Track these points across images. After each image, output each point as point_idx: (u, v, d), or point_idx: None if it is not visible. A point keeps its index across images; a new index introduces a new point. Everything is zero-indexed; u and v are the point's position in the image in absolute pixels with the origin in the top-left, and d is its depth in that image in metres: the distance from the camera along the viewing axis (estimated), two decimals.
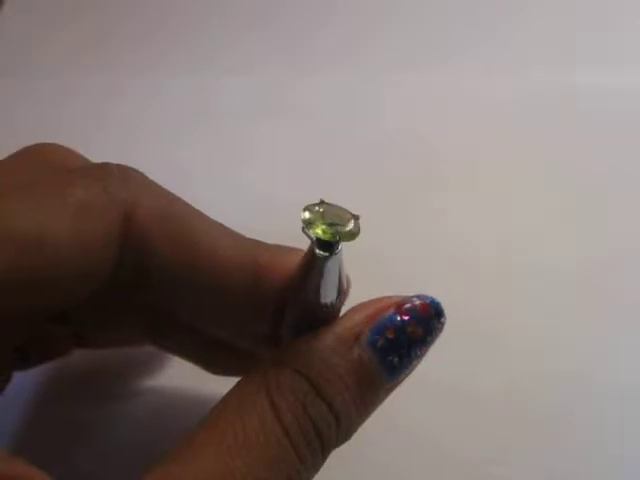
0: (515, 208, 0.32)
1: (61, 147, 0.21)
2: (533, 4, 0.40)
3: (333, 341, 0.18)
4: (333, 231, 0.17)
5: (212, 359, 0.25)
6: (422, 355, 0.19)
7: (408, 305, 0.19)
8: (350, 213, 0.17)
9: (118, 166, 0.20)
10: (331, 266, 0.17)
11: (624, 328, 0.29)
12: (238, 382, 0.18)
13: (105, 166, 0.19)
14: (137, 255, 0.19)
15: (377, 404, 0.19)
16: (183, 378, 0.26)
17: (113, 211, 0.18)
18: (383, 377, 0.19)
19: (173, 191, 0.20)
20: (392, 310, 0.19)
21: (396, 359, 0.19)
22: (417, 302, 0.19)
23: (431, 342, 0.19)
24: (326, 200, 0.17)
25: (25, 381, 0.26)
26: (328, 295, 0.18)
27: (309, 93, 0.37)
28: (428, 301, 0.19)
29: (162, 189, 0.20)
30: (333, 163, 0.34)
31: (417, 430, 0.26)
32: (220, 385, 0.19)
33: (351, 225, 0.17)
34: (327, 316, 0.19)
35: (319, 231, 0.17)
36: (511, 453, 0.26)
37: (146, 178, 0.20)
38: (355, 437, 0.19)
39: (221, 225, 0.20)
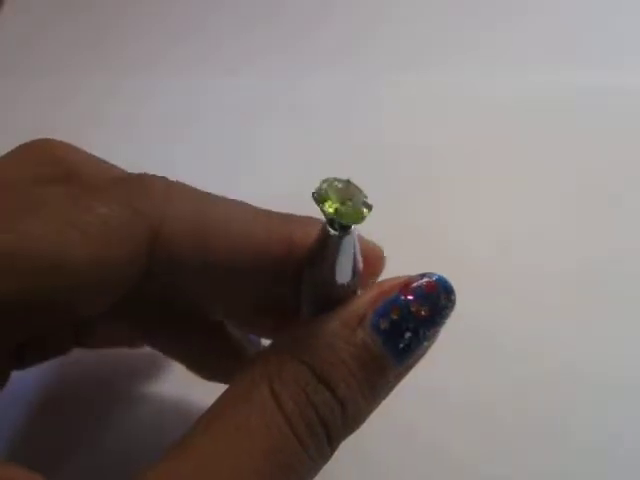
0: (515, 208, 0.32)
1: (62, 143, 0.21)
2: (533, 4, 0.40)
3: (337, 325, 0.18)
4: (341, 210, 0.16)
5: (204, 363, 0.25)
6: (433, 336, 0.18)
7: (414, 284, 0.18)
8: (365, 199, 0.16)
9: (141, 177, 0.19)
10: (345, 245, 0.17)
11: (624, 328, 0.29)
12: (239, 374, 0.18)
13: (129, 179, 0.19)
14: (166, 266, 0.18)
15: (387, 390, 0.18)
16: (186, 379, 0.26)
17: (138, 228, 0.18)
18: (390, 361, 0.18)
19: None
20: (397, 290, 0.18)
21: (403, 341, 0.18)
22: (423, 281, 0.18)
23: (441, 322, 0.18)
24: None
25: (25, 381, 0.26)
26: (343, 275, 0.18)
27: (309, 93, 0.37)
28: (435, 279, 0.18)
29: (188, 191, 0.19)
30: (333, 163, 0.34)
31: (418, 431, 0.26)
32: (224, 386, 0.19)
33: (359, 209, 0.16)
34: (344, 296, 0.18)
35: (328, 207, 0.16)
36: (511, 453, 0.26)
37: (171, 183, 0.19)
38: (356, 440, 0.19)
39: (250, 207, 0.20)
